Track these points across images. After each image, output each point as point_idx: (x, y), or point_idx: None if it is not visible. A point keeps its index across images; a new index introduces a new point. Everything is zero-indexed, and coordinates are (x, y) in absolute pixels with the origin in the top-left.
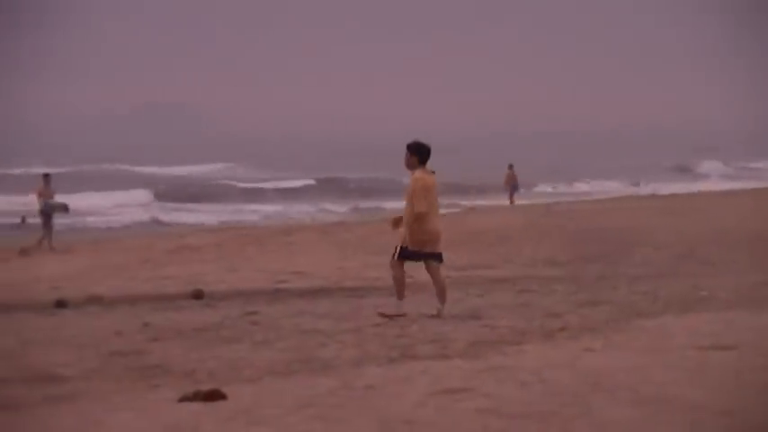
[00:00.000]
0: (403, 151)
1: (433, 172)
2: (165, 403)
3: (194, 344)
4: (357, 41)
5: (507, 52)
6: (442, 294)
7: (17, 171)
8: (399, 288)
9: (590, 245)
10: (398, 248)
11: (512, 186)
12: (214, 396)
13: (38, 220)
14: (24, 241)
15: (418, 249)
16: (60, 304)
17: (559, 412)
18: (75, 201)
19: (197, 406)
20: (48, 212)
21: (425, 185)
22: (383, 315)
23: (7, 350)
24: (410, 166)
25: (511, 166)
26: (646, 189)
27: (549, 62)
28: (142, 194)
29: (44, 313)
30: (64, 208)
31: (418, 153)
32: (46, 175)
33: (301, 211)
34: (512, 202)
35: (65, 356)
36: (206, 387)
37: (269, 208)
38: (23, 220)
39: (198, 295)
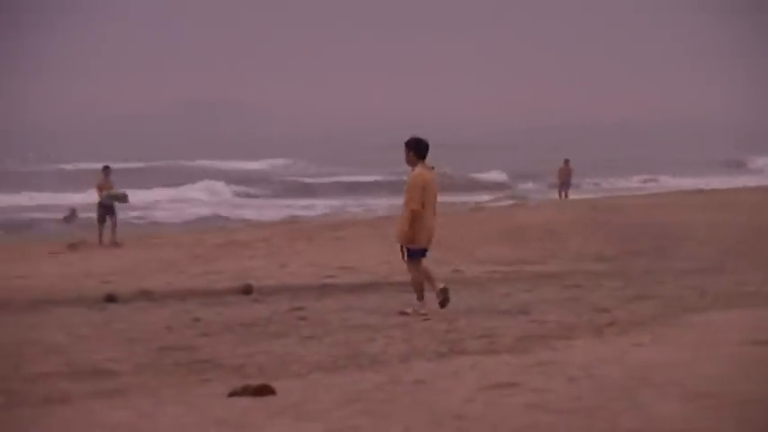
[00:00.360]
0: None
1: (432, 167)
2: (214, 398)
3: (243, 339)
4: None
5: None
6: (431, 280)
7: (68, 167)
8: (420, 289)
9: (637, 240)
10: (405, 249)
11: (565, 181)
12: (263, 391)
13: (90, 214)
14: (74, 236)
15: (425, 246)
16: (110, 299)
17: (607, 407)
18: (140, 196)
19: (246, 401)
20: (108, 204)
21: (424, 182)
22: (403, 313)
23: (58, 345)
24: (410, 163)
25: (567, 162)
26: (702, 183)
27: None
28: (207, 189)
29: (94, 308)
30: (124, 197)
31: (416, 149)
32: (105, 168)
33: (367, 205)
34: (565, 197)
35: (115, 351)
36: (255, 382)
37: (335, 203)
38: (72, 212)
39: (247, 290)
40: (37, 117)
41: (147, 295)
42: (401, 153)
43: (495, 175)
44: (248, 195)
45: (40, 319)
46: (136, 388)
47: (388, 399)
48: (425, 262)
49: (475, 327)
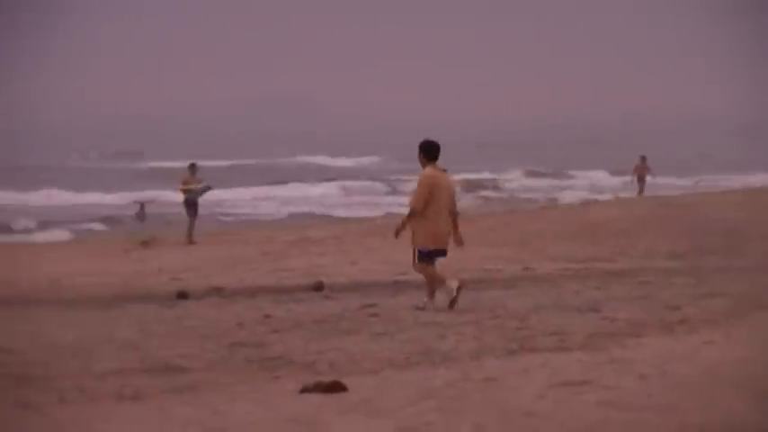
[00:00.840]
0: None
1: (445, 170)
2: (286, 394)
3: (314, 335)
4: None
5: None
6: (441, 283)
7: (141, 165)
8: (431, 286)
9: (708, 237)
10: (416, 252)
11: (641, 177)
12: (335, 387)
13: (160, 211)
14: (146, 233)
15: (435, 247)
16: (182, 296)
17: (678, 405)
18: (239, 194)
19: (318, 397)
20: (194, 200)
21: (434, 183)
22: (419, 308)
23: (130, 341)
24: (422, 165)
25: (643, 158)
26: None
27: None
28: (307, 187)
29: (166, 305)
30: (207, 188)
31: (425, 151)
32: (192, 165)
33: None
34: (640, 193)
35: (186, 348)
36: (326, 378)
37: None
38: (142, 209)
39: (318, 287)
40: (101, 113)
41: (218, 292)
42: (474, 151)
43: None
44: (348, 192)
45: (114, 316)
46: (207, 384)
47: (459, 396)
48: (439, 265)
49: (545, 324)
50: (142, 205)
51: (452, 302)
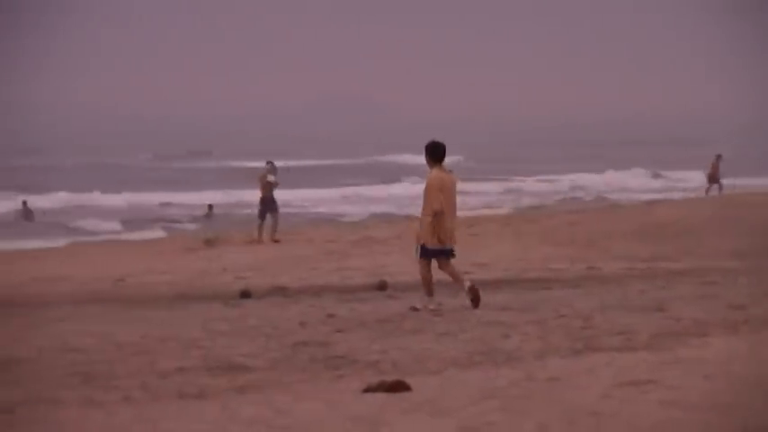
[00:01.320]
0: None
1: (451, 171)
2: (349, 394)
3: (378, 335)
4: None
5: None
6: (460, 281)
7: (210, 164)
8: (428, 286)
9: None
10: (419, 248)
11: (714, 176)
12: (398, 387)
13: (227, 212)
14: (210, 232)
15: (440, 247)
16: (245, 295)
17: (743, 404)
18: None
19: (381, 397)
20: (271, 198)
21: (441, 184)
22: (414, 309)
23: (194, 340)
24: (429, 166)
25: (718, 157)
26: None
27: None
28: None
29: (230, 304)
30: (276, 184)
31: (431, 153)
32: (269, 163)
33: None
34: (720, 190)
35: (250, 347)
36: (390, 378)
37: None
38: (210, 209)
39: (381, 287)
40: (163, 113)
41: (281, 291)
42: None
43: None
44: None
45: (178, 315)
46: (270, 384)
47: (523, 395)
48: (453, 262)
49: (610, 323)
50: (210, 206)
51: (476, 301)
